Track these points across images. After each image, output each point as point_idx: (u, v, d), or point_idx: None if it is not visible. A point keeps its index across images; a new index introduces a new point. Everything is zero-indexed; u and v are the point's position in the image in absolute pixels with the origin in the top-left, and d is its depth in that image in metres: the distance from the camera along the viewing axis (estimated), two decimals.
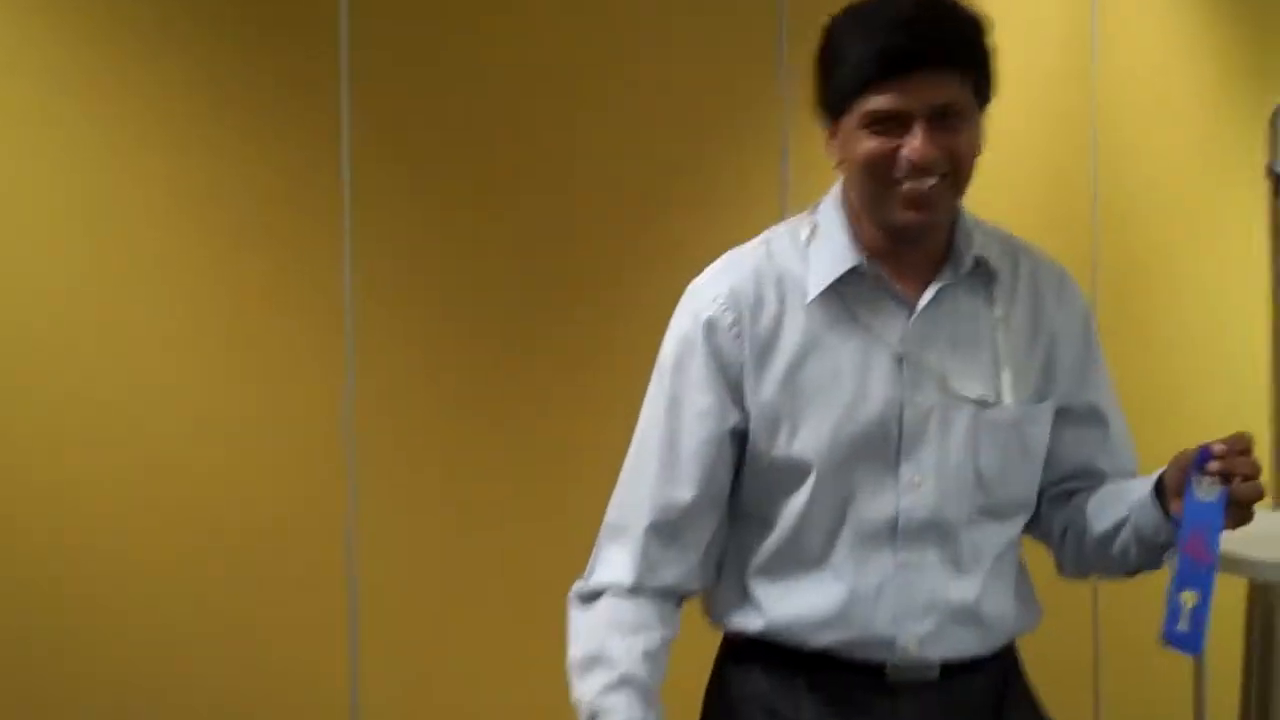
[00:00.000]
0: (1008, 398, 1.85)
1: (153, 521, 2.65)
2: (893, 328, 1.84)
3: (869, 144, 1.77)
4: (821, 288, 1.84)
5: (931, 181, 1.77)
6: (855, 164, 1.80)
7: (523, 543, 3.07)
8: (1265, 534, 2.83)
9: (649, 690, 1.81)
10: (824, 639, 1.83)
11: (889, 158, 1.77)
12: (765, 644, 1.88)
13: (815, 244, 1.87)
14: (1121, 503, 1.87)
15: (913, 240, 1.85)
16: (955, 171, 1.79)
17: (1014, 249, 1.94)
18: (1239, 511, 1.73)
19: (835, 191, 1.91)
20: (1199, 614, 1.72)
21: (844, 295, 1.84)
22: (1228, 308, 4.48)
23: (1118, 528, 1.86)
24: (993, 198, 3.81)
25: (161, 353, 2.66)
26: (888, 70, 1.75)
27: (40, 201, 2.53)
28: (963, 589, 1.84)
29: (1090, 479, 1.96)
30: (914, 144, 1.76)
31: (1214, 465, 1.71)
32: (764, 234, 1.93)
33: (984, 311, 1.88)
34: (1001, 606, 1.88)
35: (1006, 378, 1.86)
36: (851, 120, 1.78)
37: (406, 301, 2.93)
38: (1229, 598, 3.37)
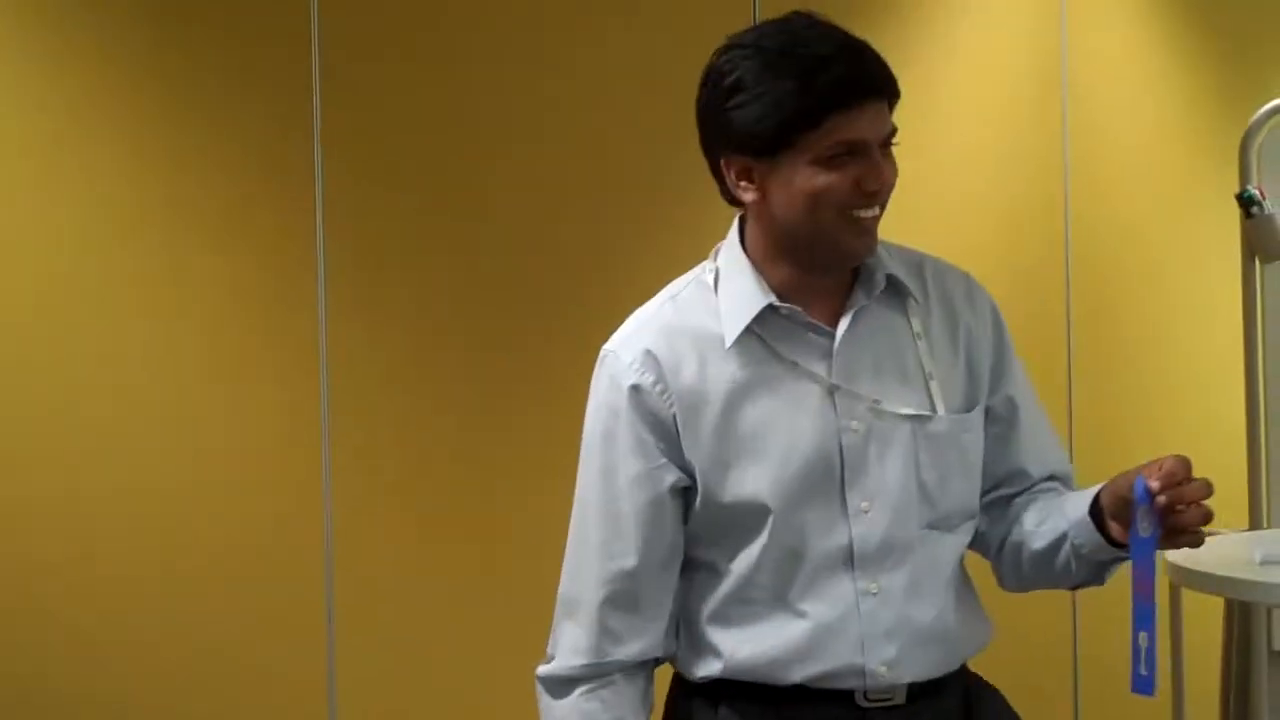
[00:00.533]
0: (941, 409, 1.85)
1: (128, 528, 2.65)
2: (817, 360, 1.83)
3: (825, 178, 1.76)
4: (738, 332, 1.83)
5: (878, 208, 1.79)
6: (806, 198, 1.77)
7: (500, 545, 3.07)
8: (1241, 553, 2.84)
9: None
10: (795, 675, 1.83)
11: (849, 188, 1.76)
12: (730, 683, 1.87)
13: (721, 292, 1.86)
14: (1060, 518, 1.87)
15: (843, 269, 1.85)
16: (887, 197, 1.81)
17: (917, 261, 1.93)
18: (1188, 536, 1.73)
19: (731, 238, 1.90)
20: (1151, 655, 1.71)
21: (762, 336, 1.84)
22: (1203, 331, 4.50)
23: (1057, 544, 1.87)
24: (967, 220, 3.84)
25: (133, 361, 2.66)
26: (848, 100, 1.74)
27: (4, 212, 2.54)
28: (924, 608, 1.85)
29: (1020, 482, 1.95)
30: (881, 172, 1.77)
31: (1161, 500, 1.70)
32: (666, 290, 1.92)
33: (902, 327, 1.88)
34: (958, 621, 1.89)
35: (936, 389, 1.86)
36: (801, 156, 1.76)
37: (380, 305, 2.94)
38: (1207, 617, 3.39)
